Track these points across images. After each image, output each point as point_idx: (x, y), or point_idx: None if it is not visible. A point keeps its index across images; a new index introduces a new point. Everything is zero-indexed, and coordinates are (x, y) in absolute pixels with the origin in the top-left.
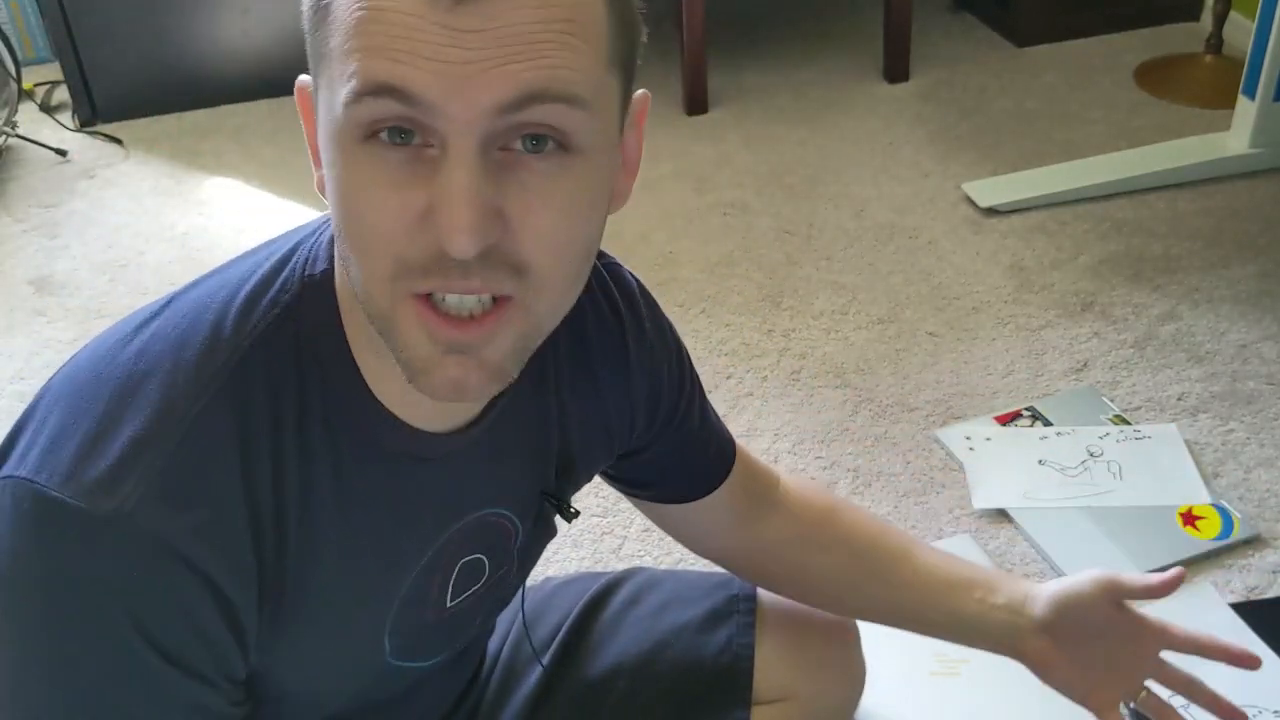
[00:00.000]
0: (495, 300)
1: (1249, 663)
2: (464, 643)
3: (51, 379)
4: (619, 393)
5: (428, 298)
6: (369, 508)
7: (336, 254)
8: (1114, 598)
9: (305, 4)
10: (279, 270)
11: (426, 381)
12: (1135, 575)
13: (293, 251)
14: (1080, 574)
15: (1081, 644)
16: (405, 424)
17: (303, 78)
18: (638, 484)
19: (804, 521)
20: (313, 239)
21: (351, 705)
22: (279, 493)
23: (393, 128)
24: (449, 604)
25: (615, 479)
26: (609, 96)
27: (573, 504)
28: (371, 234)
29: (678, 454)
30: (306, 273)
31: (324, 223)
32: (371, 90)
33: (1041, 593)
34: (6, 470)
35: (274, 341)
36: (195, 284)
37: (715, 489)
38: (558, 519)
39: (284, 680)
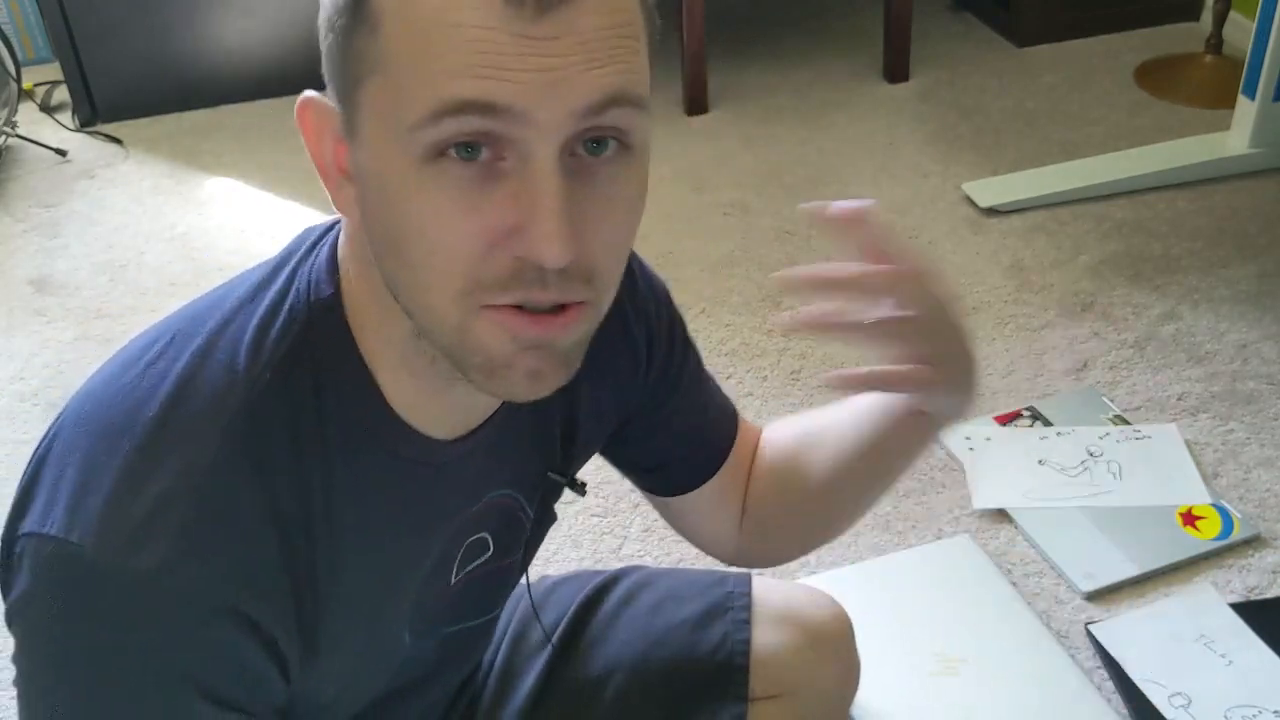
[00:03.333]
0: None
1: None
2: (471, 621)
3: (61, 421)
4: (611, 348)
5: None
6: (388, 515)
7: (389, 273)
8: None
9: (333, 10)
10: (283, 299)
11: (506, 378)
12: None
13: (292, 277)
14: None
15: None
16: (421, 434)
17: (311, 94)
18: (641, 467)
19: (765, 488)
20: (310, 261)
21: (369, 702)
22: (307, 519)
23: (463, 145)
24: (453, 580)
25: (622, 462)
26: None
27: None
28: (442, 255)
29: (679, 426)
30: (313, 298)
31: (317, 241)
32: (454, 109)
33: None
34: (29, 527)
35: (290, 373)
36: (197, 316)
37: (713, 475)
38: (558, 503)
39: (314, 692)
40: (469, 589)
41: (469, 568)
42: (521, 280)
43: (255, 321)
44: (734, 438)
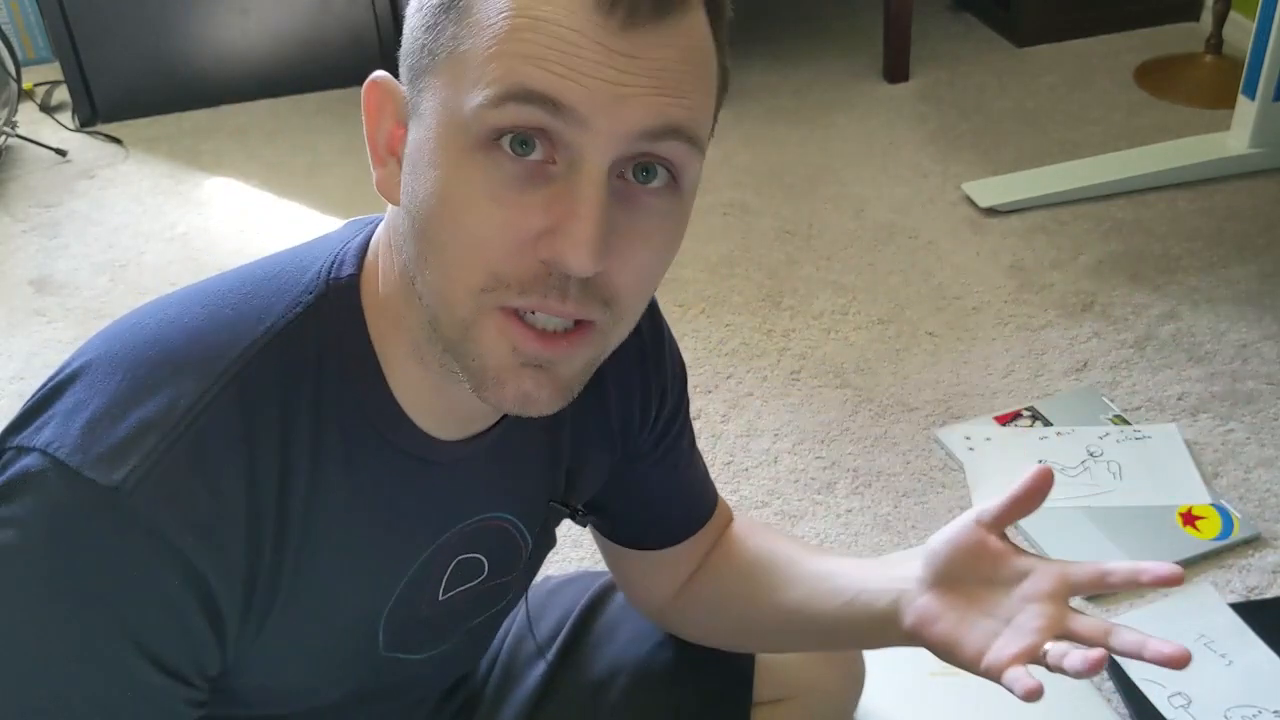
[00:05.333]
0: (577, 322)
1: (1171, 579)
2: (455, 639)
3: (83, 351)
4: (624, 395)
5: (515, 311)
6: (375, 506)
7: (412, 255)
8: (985, 525)
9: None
10: (303, 272)
11: (497, 392)
12: (1001, 498)
13: (319, 256)
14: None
15: (958, 588)
16: (418, 427)
17: (383, 74)
18: (604, 511)
19: (725, 574)
20: (342, 246)
21: (342, 697)
22: (285, 489)
23: (518, 137)
24: (440, 597)
25: (592, 509)
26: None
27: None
28: (471, 243)
29: (660, 486)
30: (332, 276)
31: (358, 231)
32: (520, 96)
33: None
34: (21, 439)
35: (292, 340)
36: (223, 276)
37: (670, 547)
38: (559, 528)
39: (273, 672)
40: (459, 607)
41: (461, 587)
42: (542, 286)
43: (269, 289)
44: (705, 522)
